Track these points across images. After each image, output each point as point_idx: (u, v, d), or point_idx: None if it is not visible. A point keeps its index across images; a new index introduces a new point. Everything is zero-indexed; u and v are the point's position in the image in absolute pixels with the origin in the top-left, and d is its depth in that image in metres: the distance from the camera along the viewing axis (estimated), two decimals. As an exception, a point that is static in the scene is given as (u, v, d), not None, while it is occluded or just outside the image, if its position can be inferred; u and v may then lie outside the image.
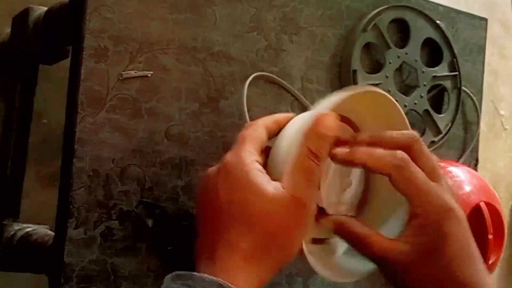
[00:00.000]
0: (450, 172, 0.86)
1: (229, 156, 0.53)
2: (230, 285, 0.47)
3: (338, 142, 0.54)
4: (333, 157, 0.54)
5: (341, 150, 0.54)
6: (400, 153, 0.53)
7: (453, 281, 0.52)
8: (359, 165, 0.54)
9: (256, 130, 0.55)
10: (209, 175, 0.54)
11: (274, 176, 0.52)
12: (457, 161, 0.94)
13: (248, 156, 0.52)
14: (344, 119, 0.59)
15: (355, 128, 0.60)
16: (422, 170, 0.53)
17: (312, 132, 0.51)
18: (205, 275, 0.47)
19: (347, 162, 0.54)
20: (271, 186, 0.50)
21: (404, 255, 0.52)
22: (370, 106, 0.58)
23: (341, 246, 0.59)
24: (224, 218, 0.50)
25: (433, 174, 0.54)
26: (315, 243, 0.57)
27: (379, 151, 0.53)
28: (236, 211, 0.49)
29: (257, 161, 0.52)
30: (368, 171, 0.60)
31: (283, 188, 0.50)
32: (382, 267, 0.54)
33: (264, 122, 0.56)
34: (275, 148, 0.55)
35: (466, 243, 0.53)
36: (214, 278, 0.47)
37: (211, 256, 0.49)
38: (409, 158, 0.53)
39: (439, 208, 0.52)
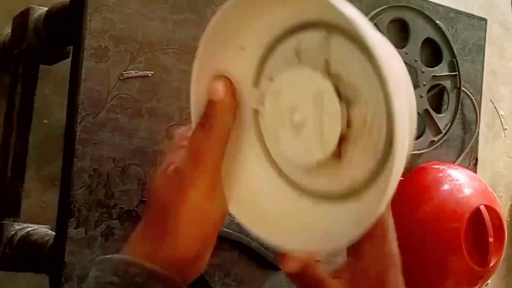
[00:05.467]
0: (450, 175, 0.86)
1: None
2: (139, 260, 0.46)
3: None
4: None
5: None
6: None
7: None
8: None
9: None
10: None
11: None
12: (456, 162, 0.95)
13: None
14: None
15: None
16: None
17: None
18: (115, 255, 0.47)
19: None
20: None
21: None
22: None
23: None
24: (153, 206, 0.49)
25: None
26: None
27: None
28: (164, 203, 0.48)
29: None
30: None
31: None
32: None
33: None
34: None
35: None
36: (123, 256, 0.47)
37: (129, 239, 0.50)
38: None
39: (385, 255, 0.51)
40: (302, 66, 0.45)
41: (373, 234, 0.49)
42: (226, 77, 0.48)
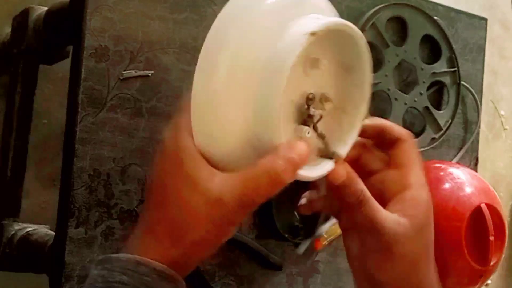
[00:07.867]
0: (451, 174, 0.85)
1: (166, 138, 0.49)
2: (148, 259, 0.46)
3: None
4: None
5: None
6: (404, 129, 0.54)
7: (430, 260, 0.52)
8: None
9: None
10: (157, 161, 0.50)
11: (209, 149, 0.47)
12: (455, 160, 0.94)
13: (186, 138, 0.47)
14: None
15: None
16: None
17: (281, 157, 0.45)
18: (122, 254, 0.47)
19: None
20: (210, 186, 0.46)
21: (402, 227, 0.50)
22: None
23: None
24: (155, 200, 0.48)
25: None
26: None
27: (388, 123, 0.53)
28: (166, 197, 0.47)
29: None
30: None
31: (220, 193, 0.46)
32: (371, 235, 0.51)
33: None
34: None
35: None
36: (131, 255, 0.46)
37: (133, 236, 0.49)
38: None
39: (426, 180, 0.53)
40: None
41: (413, 163, 0.53)
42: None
